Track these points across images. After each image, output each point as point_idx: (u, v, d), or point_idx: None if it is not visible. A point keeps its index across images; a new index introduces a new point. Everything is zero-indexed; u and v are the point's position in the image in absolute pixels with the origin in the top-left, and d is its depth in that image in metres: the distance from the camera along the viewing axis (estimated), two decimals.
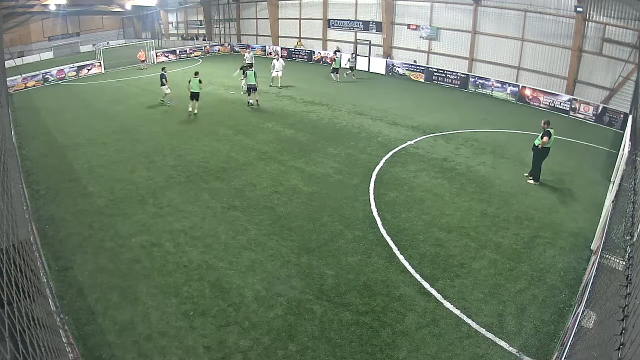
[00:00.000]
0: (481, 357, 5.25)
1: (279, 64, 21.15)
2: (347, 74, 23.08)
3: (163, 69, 17.86)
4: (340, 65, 22.96)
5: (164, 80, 17.42)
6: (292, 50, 30.89)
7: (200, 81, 15.60)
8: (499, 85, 19.52)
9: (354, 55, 24.82)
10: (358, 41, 26.84)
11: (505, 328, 5.71)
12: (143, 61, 28.85)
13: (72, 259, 7.24)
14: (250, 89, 17.05)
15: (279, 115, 16.13)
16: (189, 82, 15.58)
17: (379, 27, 25.87)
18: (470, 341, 5.49)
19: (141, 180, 10.41)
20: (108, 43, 40.64)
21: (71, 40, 41.36)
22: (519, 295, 6.36)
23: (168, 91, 17.54)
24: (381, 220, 8.43)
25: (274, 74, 21.17)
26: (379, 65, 25.17)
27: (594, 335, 3.85)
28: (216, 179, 10.45)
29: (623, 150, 9.20)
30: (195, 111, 15.97)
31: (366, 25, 26.81)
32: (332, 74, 22.72)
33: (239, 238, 7.87)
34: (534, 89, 18.25)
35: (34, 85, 23.16)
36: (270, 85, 21.24)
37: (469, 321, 5.82)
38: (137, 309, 6.07)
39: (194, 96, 15.67)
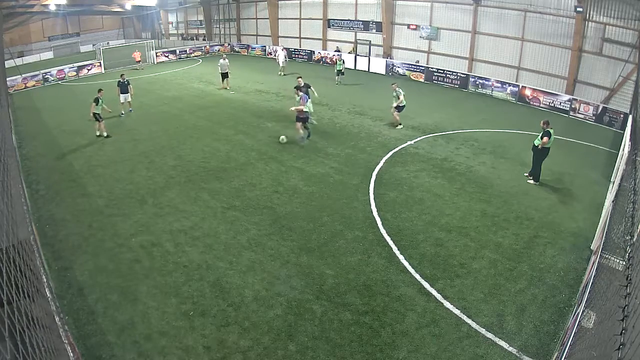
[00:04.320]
0: (481, 357, 5.25)
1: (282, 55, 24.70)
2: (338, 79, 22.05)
3: (122, 75, 16.16)
4: (342, 67, 21.97)
5: (122, 88, 15.88)
6: (292, 50, 30.92)
7: (97, 101, 13.15)
8: (499, 85, 19.51)
9: (340, 56, 24.07)
10: (358, 41, 26.83)
11: (505, 328, 5.71)
12: (138, 62, 28.85)
13: (72, 259, 7.24)
14: (306, 119, 12.53)
15: (279, 115, 16.11)
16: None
17: (379, 27, 25.87)
18: (470, 341, 5.49)
19: (141, 180, 10.41)
20: (108, 43, 40.63)
21: (71, 40, 41.40)
22: (519, 295, 6.36)
23: (122, 100, 16.04)
24: (381, 220, 8.43)
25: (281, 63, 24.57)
26: (379, 65, 25.17)
27: (594, 335, 3.85)
28: (216, 179, 10.45)
29: (623, 150, 9.20)
30: (105, 133, 13.61)
31: (366, 25, 26.80)
32: (336, 77, 22.02)
33: (239, 238, 7.87)
34: (534, 89, 18.23)
35: (34, 85, 23.17)
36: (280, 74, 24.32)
37: (469, 321, 5.82)
38: (137, 309, 6.07)
39: (95, 117, 13.42)
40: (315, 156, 11.83)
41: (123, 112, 16.28)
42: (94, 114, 13.32)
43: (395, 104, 14.05)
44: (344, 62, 22.58)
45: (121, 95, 16.05)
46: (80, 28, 42.81)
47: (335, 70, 22.13)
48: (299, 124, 12.31)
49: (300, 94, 12.36)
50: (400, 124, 14.43)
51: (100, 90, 13.59)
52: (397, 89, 14.03)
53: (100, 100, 13.28)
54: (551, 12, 18.14)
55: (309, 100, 12.43)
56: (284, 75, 24.32)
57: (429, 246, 7.59)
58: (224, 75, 20.60)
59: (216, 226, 8.29)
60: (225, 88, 20.61)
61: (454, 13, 22.05)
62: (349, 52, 27.14)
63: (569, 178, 10.54)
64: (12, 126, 13.03)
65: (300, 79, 14.50)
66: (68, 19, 40.73)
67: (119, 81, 16.05)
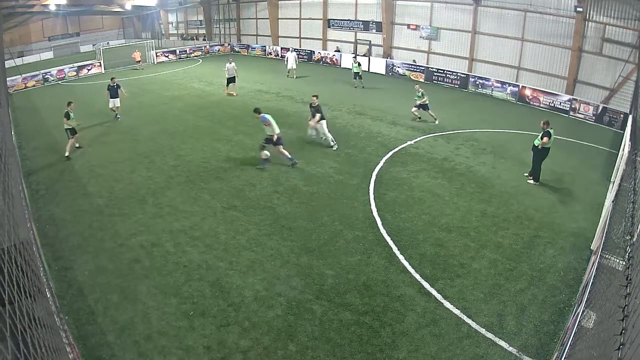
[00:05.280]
0: (481, 357, 5.25)
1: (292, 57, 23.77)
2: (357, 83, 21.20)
3: (112, 79, 15.50)
4: (359, 70, 21.08)
5: (112, 93, 15.19)
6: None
7: (67, 115, 11.77)
8: (499, 85, 19.52)
9: (355, 57, 23.24)
10: (358, 41, 26.84)
11: (505, 328, 5.71)
12: (139, 62, 28.86)
13: (72, 259, 7.24)
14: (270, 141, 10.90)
15: (279, 115, 16.05)
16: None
17: (379, 27, 25.88)
18: (470, 341, 5.49)
19: (141, 180, 10.41)
20: (108, 43, 40.68)
21: (71, 40, 41.45)
22: (519, 295, 6.36)
23: (111, 105, 15.47)
24: (381, 220, 8.43)
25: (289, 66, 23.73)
26: (379, 65, 25.17)
27: (594, 335, 3.85)
28: (216, 179, 10.45)
29: (623, 150, 9.20)
30: (67, 153, 11.97)
31: (366, 25, 26.82)
32: (355, 80, 21.22)
33: (239, 238, 7.88)
34: (534, 89, 18.25)
35: (34, 85, 23.18)
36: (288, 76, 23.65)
37: (469, 321, 5.82)
38: (137, 309, 6.07)
39: (67, 132, 12.00)
40: (315, 156, 11.83)
41: (118, 116, 15.76)
42: (67, 129, 11.93)
43: (420, 102, 14.83)
44: (359, 64, 21.30)
45: (110, 100, 15.32)
46: (80, 28, 42.85)
47: (352, 73, 21.34)
48: (276, 147, 10.81)
49: (260, 115, 10.78)
50: (436, 119, 15.10)
51: (70, 103, 12.06)
52: (420, 89, 14.94)
53: (70, 114, 11.85)
54: (551, 12, 18.15)
55: (271, 118, 10.83)
56: (296, 77, 23.42)
57: (429, 246, 7.59)
58: (230, 80, 19.38)
59: (216, 226, 8.29)
60: (230, 94, 19.40)
61: (454, 13, 22.06)
62: (364, 55, 25.77)
63: (569, 178, 10.54)
64: (12, 126, 13.01)
65: (315, 98, 12.13)
66: (68, 19, 40.79)
67: (109, 85, 15.32)
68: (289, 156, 10.95)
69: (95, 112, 16.86)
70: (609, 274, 4.49)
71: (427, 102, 14.76)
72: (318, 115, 11.97)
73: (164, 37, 44.65)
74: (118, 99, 15.52)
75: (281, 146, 10.82)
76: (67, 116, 11.83)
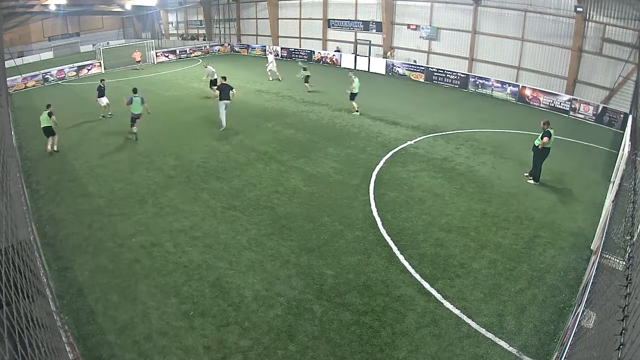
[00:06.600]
0: (481, 357, 5.24)
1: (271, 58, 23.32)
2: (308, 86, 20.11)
3: (102, 80, 16.10)
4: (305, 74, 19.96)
5: (100, 93, 15.57)
6: (292, 50, 30.96)
7: (50, 114, 12.07)
8: (499, 85, 19.51)
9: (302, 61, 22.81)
10: (358, 41, 26.84)
11: (505, 328, 5.70)
12: (139, 62, 28.85)
13: (72, 259, 7.24)
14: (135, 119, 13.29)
15: (279, 115, 16.12)
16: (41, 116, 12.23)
17: (379, 27, 25.88)
18: (470, 341, 5.49)
19: (141, 180, 10.41)
20: (108, 43, 40.65)
21: (71, 40, 41.42)
22: (519, 295, 6.36)
23: (104, 104, 15.79)
24: (381, 220, 8.43)
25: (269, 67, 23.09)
26: (379, 65, 25.17)
27: (594, 335, 3.85)
28: (216, 179, 10.45)
29: (623, 150, 9.20)
30: (55, 147, 12.36)
31: (366, 25, 26.82)
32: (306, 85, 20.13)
33: (239, 238, 7.87)
34: (534, 89, 18.24)
35: (34, 85, 23.16)
36: (270, 80, 22.79)
37: (469, 321, 5.82)
38: (137, 309, 6.07)
39: (47, 132, 12.19)
40: (315, 156, 11.83)
41: (103, 115, 15.97)
42: (45, 128, 12.09)
43: (348, 91, 15.66)
44: (305, 69, 20.04)
45: (99, 99, 15.61)
46: (80, 28, 42.82)
47: (303, 78, 20.09)
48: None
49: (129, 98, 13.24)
50: (357, 111, 15.94)
51: (49, 106, 12.26)
52: (352, 76, 15.69)
53: (51, 115, 12.12)
54: (551, 12, 18.14)
55: (134, 101, 13.13)
56: (280, 80, 22.52)
57: (429, 246, 7.59)
58: (213, 82, 18.56)
59: (216, 226, 8.29)
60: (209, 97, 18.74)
61: (454, 13, 22.05)
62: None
63: (569, 178, 10.54)
64: (12, 126, 13.01)
65: (223, 79, 14.47)
66: (68, 19, 40.75)
67: (99, 86, 15.66)
68: (135, 131, 13.43)
69: (95, 112, 16.84)
70: (609, 274, 4.49)
71: (354, 90, 15.40)
72: (217, 92, 13.75)
73: (164, 37, 44.64)
74: (106, 97, 15.88)
75: (133, 123, 13.42)
76: (49, 115, 12.23)
